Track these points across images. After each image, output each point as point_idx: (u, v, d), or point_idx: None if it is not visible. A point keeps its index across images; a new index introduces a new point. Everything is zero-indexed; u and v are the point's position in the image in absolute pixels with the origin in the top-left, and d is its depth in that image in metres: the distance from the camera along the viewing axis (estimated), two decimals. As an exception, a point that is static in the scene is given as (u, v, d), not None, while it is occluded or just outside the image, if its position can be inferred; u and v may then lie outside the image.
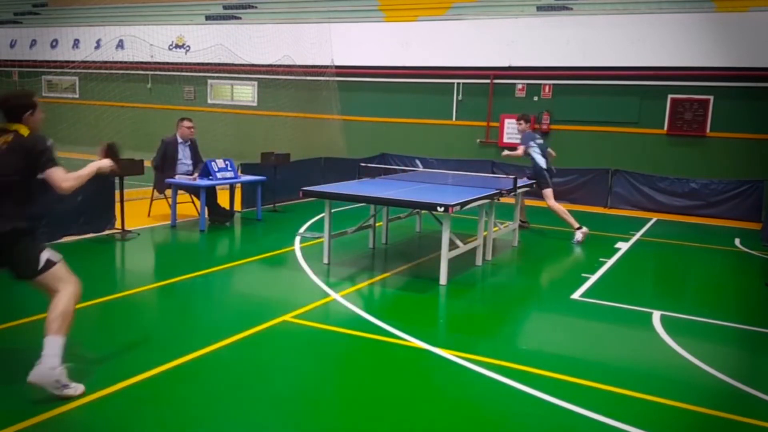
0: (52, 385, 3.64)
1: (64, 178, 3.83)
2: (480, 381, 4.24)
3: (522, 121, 9.69)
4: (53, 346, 3.66)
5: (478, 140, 14.66)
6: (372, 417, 3.72)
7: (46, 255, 3.82)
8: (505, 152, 9.75)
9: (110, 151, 4.32)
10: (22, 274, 3.83)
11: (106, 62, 18.11)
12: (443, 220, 6.43)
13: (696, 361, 4.70)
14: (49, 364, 3.62)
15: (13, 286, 5.82)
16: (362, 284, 6.50)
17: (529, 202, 10.55)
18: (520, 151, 9.43)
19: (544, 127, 13.75)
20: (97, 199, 7.85)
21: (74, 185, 3.89)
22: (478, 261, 7.42)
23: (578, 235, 8.96)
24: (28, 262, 3.77)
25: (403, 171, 10.63)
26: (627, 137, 13.31)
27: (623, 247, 8.79)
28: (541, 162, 9.29)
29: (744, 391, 4.24)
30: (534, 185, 9.12)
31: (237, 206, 9.76)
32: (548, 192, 9.23)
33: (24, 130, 3.86)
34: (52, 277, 3.80)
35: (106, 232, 7.97)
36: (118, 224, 8.05)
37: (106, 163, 4.19)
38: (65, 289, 3.81)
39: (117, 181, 7.96)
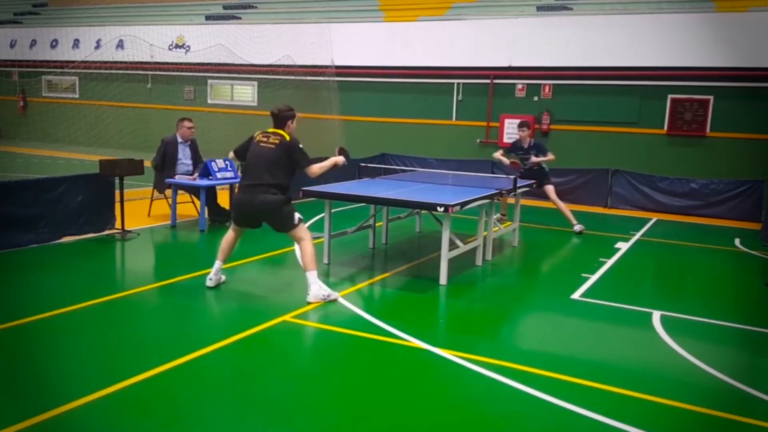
0: (323, 299, 5.67)
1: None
2: (480, 381, 4.24)
3: (525, 128, 9.78)
4: (312, 276, 5.69)
5: (478, 140, 14.66)
6: (372, 417, 3.72)
7: (297, 215, 5.77)
8: (544, 159, 9.76)
9: (343, 152, 6.21)
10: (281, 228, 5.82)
11: (106, 62, 18.12)
12: (443, 220, 6.43)
13: (696, 361, 4.70)
14: (315, 288, 5.67)
15: (12, 286, 5.83)
16: (362, 284, 6.50)
17: (528, 202, 10.57)
18: (552, 156, 9.74)
19: (544, 127, 13.76)
20: (97, 199, 7.85)
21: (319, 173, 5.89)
22: (478, 261, 7.41)
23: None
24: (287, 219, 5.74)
25: (403, 171, 10.63)
26: (627, 137, 13.31)
27: (623, 247, 8.79)
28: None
29: (744, 391, 4.24)
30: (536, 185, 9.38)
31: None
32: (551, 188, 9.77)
33: (283, 134, 5.76)
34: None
35: (106, 232, 7.97)
36: (118, 224, 8.05)
37: (341, 159, 6.12)
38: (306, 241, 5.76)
39: (117, 181, 7.96)
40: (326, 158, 6.10)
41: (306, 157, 5.78)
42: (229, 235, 6.06)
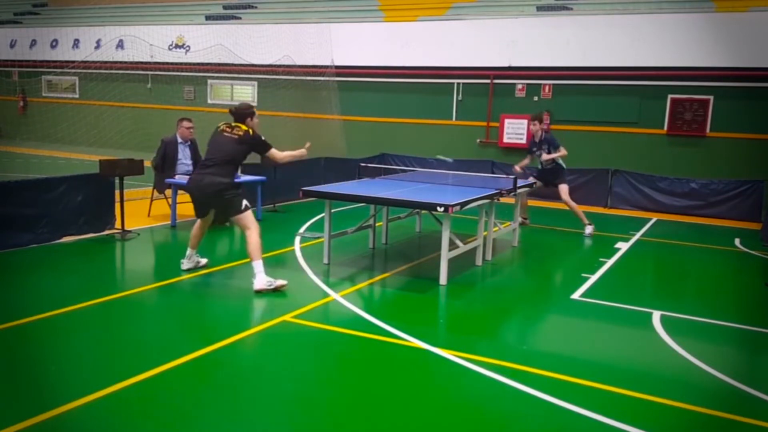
0: (267, 286, 5.82)
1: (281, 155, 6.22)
2: (480, 381, 4.24)
3: (537, 122, 9.66)
4: (258, 265, 5.88)
5: (478, 140, 14.66)
6: (372, 417, 3.71)
7: (245, 202, 6.00)
8: (556, 155, 9.54)
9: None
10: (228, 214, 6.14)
11: (106, 62, 18.13)
12: (443, 220, 6.43)
13: (696, 361, 4.70)
14: (261, 276, 5.86)
15: (12, 286, 5.83)
16: (362, 284, 6.49)
17: (530, 202, 10.55)
18: (564, 151, 9.56)
19: (545, 127, 13.75)
20: (97, 199, 7.85)
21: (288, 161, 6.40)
22: (478, 261, 7.41)
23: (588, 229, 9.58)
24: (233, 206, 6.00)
25: (403, 171, 10.64)
26: (627, 137, 13.31)
27: (623, 247, 8.79)
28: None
29: (744, 391, 4.24)
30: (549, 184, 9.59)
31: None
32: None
33: (246, 128, 6.08)
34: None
35: (106, 232, 7.97)
36: (118, 224, 8.05)
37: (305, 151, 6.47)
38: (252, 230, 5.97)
39: (117, 181, 7.95)
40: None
41: (266, 143, 6.15)
42: (197, 225, 6.45)
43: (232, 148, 6.02)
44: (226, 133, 6.10)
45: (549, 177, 9.66)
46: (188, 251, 6.52)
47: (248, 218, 6.02)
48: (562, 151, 9.48)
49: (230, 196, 6.00)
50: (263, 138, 6.15)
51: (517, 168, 9.78)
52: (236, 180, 6.15)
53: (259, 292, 5.85)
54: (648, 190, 12.47)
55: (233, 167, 6.07)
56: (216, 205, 6.21)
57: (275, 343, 4.90)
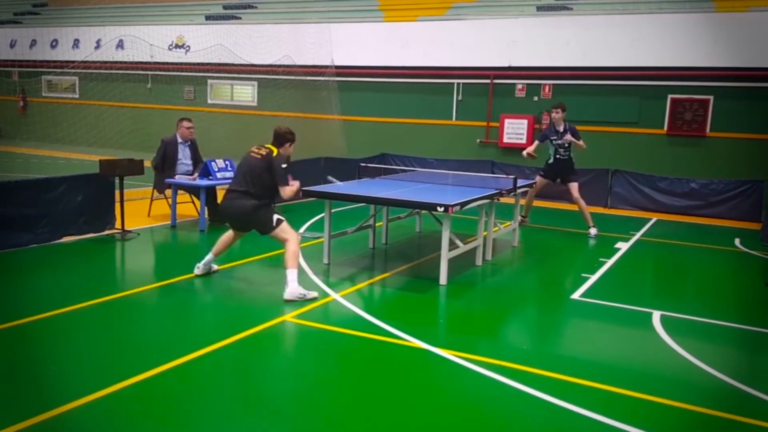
0: (299, 297, 5.65)
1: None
2: (480, 381, 4.24)
3: (560, 110, 9.51)
4: (292, 274, 5.70)
5: (478, 140, 14.66)
6: (372, 417, 3.72)
7: (276, 216, 5.94)
8: (577, 142, 9.43)
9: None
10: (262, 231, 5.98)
11: (106, 62, 18.13)
12: (443, 220, 6.43)
13: (696, 361, 4.70)
14: (293, 286, 5.66)
15: (12, 286, 5.83)
16: (362, 284, 6.49)
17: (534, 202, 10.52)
18: (584, 144, 9.48)
19: (544, 126, 13.76)
20: (97, 199, 7.85)
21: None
22: (478, 261, 7.41)
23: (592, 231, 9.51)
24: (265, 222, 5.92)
25: (403, 171, 10.64)
26: (627, 137, 13.31)
27: (623, 247, 8.79)
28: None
29: (744, 391, 4.24)
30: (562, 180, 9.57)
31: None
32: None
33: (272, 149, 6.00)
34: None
35: (106, 232, 7.96)
36: (118, 224, 8.04)
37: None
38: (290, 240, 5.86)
39: (117, 181, 7.96)
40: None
41: (282, 177, 5.97)
42: (229, 233, 6.30)
43: (252, 167, 5.92)
44: (253, 154, 6.03)
45: (561, 171, 9.56)
46: (209, 256, 6.33)
47: (283, 232, 5.89)
48: (583, 143, 9.43)
49: (258, 216, 5.90)
50: (284, 167, 6.00)
51: (526, 153, 9.64)
52: (263, 200, 5.95)
53: (289, 302, 5.62)
54: (648, 190, 12.47)
55: (255, 187, 5.88)
56: (250, 227, 6.11)
57: (275, 343, 4.90)
